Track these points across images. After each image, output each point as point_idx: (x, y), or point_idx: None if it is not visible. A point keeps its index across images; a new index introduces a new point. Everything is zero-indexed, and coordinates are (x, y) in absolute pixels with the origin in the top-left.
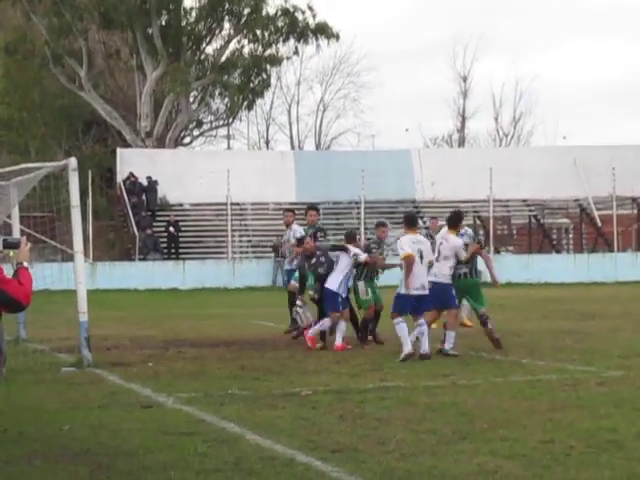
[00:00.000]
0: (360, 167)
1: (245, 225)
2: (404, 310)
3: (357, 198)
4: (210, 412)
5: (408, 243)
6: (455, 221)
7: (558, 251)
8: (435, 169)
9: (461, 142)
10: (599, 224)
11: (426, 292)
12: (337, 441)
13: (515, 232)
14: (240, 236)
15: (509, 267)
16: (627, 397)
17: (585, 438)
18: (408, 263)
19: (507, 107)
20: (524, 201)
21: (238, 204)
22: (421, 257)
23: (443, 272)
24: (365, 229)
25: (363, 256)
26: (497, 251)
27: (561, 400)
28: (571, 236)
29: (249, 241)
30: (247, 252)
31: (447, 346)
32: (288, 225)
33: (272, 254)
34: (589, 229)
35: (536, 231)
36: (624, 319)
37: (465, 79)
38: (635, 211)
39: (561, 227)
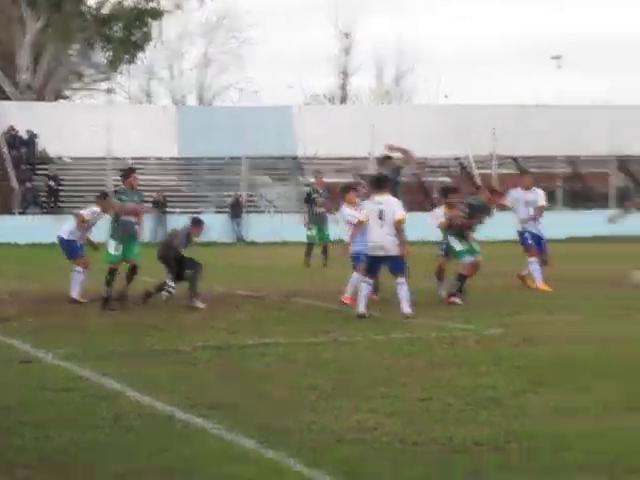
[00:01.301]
0: (242, 123)
1: None
2: (368, 270)
3: (239, 154)
4: (89, 368)
5: (368, 206)
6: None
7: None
8: (316, 126)
9: (343, 99)
10: (479, 183)
11: (389, 253)
12: (216, 397)
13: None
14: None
15: None
16: (505, 355)
17: (463, 395)
18: (357, 226)
19: (389, 65)
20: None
21: (119, 158)
22: (382, 218)
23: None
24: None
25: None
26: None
27: (440, 358)
28: None
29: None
30: None
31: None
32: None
33: (154, 209)
34: (470, 188)
35: (417, 189)
36: (504, 277)
37: (347, 36)
38: (515, 170)
39: (441, 185)
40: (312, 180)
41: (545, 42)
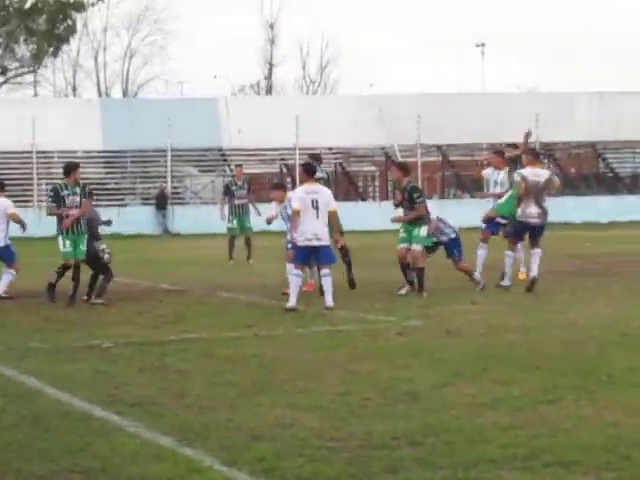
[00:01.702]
0: (167, 115)
1: (51, 173)
2: (300, 261)
3: (164, 146)
4: (10, 366)
5: (300, 195)
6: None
7: (364, 199)
8: (242, 117)
9: (268, 90)
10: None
11: (321, 242)
12: (136, 394)
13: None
14: (47, 184)
15: None
16: (425, 347)
17: (382, 389)
18: (293, 217)
19: (314, 55)
20: (330, 149)
21: (44, 152)
22: (316, 207)
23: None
24: (172, 177)
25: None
26: None
27: (360, 351)
28: (377, 183)
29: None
30: None
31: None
32: None
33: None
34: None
35: (342, 179)
36: (427, 266)
37: (272, 26)
38: (440, 158)
39: (367, 175)
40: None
41: (469, 30)
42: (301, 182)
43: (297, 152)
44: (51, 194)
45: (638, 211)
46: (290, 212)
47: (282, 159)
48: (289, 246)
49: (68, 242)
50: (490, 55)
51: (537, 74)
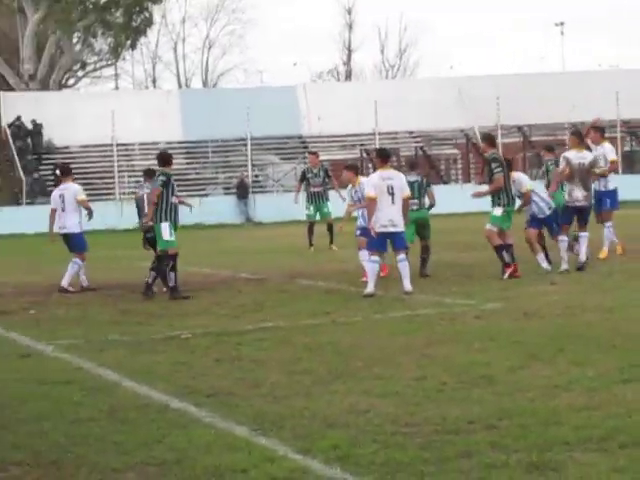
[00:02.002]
0: (247, 104)
1: (132, 165)
2: (376, 247)
3: (244, 135)
4: (89, 359)
5: (376, 181)
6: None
7: (446, 182)
8: (321, 104)
9: (348, 75)
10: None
11: (397, 229)
12: (212, 385)
13: (403, 164)
14: (129, 177)
15: None
16: (503, 330)
17: (458, 373)
18: (369, 204)
19: (393, 39)
20: (410, 133)
21: (124, 144)
22: (392, 193)
23: None
24: (253, 165)
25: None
26: None
27: (438, 335)
28: (459, 166)
29: (137, 181)
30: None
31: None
32: None
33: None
34: (477, 158)
35: (423, 162)
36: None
37: (350, 11)
38: (521, 139)
39: (449, 158)
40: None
41: (548, 9)
42: (375, 168)
43: (377, 137)
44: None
45: None
46: (360, 195)
47: (362, 144)
48: (358, 232)
49: (173, 231)
50: (570, 34)
51: (619, 52)
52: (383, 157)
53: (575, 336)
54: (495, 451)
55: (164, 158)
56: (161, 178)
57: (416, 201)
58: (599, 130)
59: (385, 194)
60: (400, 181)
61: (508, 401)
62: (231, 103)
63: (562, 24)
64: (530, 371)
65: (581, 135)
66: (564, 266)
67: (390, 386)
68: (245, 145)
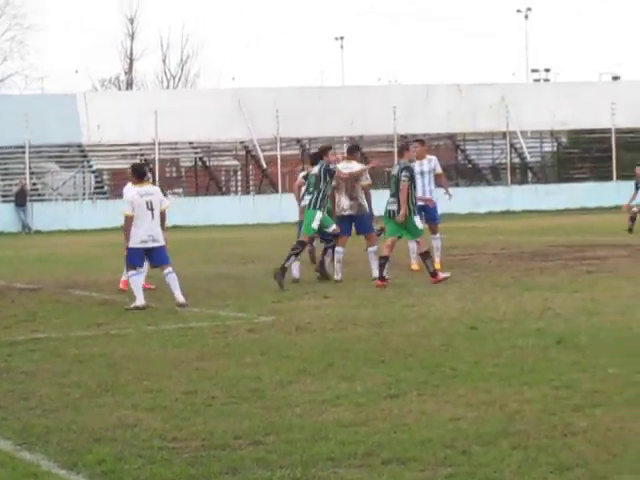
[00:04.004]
0: (26, 111)
1: None
2: (135, 263)
3: (22, 142)
4: None
5: (134, 198)
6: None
7: (225, 193)
8: (102, 112)
9: (129, 84)
10: (264, 165)
11: (157, 244)
12: None
13: (183, 174)
14: None
15: (176, 210)
16: (275, 343)
17: (228, 387)
18: (127, 222)
19: (175, 49)
20: (190, 143)
21: None
22: (151, 209)
23: None
24: (31, 173)
25: None
26: (164, 194)
27: (210, 348)
28: (238, 178)
29: None
30: None
31: None
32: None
33: None
34: (255, 170)
35: (203, 173)
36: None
37: (132, 21)
38: (299, 152)
39: (228, 169)
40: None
41: (328, 23)
42: (133, 183)
43: (157, 147)
44: None
45: (496, 202)
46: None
47: (142, 154)
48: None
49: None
50: (349, 48)
51: (398, 67)
52: (139, 174)
53: (345, 350)
54: (260, 467)
55: None
56: None
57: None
58: (423, 144)
59: (144, 210)
60: (158, 196)
61: (276, 416)
62: (10, 110)
63: (342, 38)
64: (299, 386)
65: (352, 148)
66: (337, 277)
67: (159, 400)
68: (24, 152)
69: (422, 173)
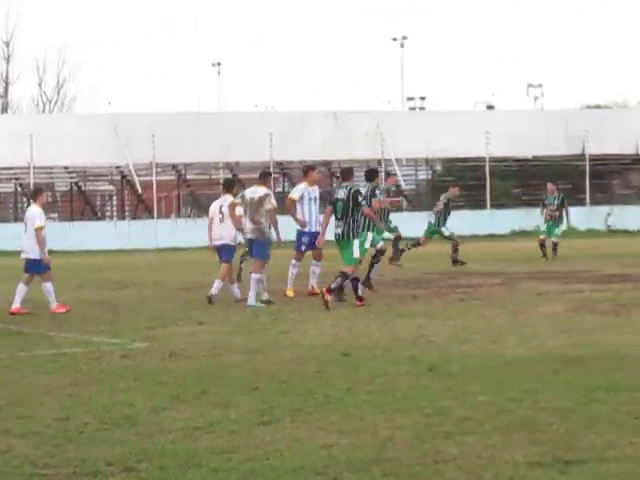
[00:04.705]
0: None
1: None
2: None
3: None
4: None
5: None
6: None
7: (100, 218)
8: None
9: (4, 108)
10: (140, 191)
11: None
12: None
13: (59, 199)
14: None
15: (51, 235)
16: (148, 370)
17: (101, 414)
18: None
19: (51, 73)
20: (66, 168)
21: None
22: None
23: None
24: None
25: None
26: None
27: (83, 374)
28: (114, 203)
29: None
30: None
31: None
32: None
33: None
34: (131, 195)
35: (78, 198)
36: (157, 287)
37: (8, 44)
38: (176, 177)
39: (104, 194)
40: None
41: (205, 49)
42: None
43: (32, 171)
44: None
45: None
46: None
47: (17, 178)
48: None
49: None
50: (227, 75)
51: (274, 94)
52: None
53: (219, 377)
54: None
55: None
56: None
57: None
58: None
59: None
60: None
61: (149, 442)
62: None
63: (219, 64)
64: (173, 412)
65: (267, 175)
66: (262, 297)
67: (31, 426)
68: None
69: (315, 199)
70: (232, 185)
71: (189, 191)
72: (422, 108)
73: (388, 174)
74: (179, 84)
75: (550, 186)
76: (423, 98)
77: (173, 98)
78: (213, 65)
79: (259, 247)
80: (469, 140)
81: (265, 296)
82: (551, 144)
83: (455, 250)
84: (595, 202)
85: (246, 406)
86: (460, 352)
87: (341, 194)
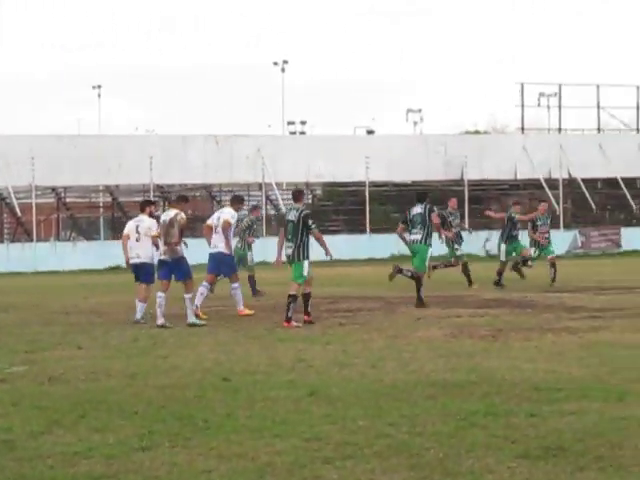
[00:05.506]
0: None
1: None
2: None
3: None
4: None
5: None
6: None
7: None
8: None
9: None
10: (19, 214)
11: None
12: None
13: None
14: None
15: None
16: (26, 394)
17: None
18: None
19: None
20: None
21: None
22: None
23: None
24: None
25: None
26: None
27: None
28: None
29: None
30: None
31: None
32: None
33: None
34: (10, 219)
35: None
36: (36, 311)
37: None
38: (55, 200)
39: None
40: None
41: (86, 72)
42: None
43: None
44: None
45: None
46: None
47: None
48: None
49: None
50: (107, 97)
51: (156, 117)
52: None
53: (98, 402)
54: None
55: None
56: None
57: None
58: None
59: None
60: None
61: (28, 467)
62: None
63: (100, 87)
64: (51, 437)
65: (184, 199)
66: (158, 322)
67: None
68: None
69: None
70: (146, 205)
71: (69, 214)
72: (302, 132)
73: None
74: (59, 107)
75: (542, 206)
76: (304, 122)
77: (53, 121)
78: (94, 88)
79: (178, 268)
80: (349, 165)
81: (161, 321)
82: (430, 169)
83: (448, 266)
84: (473, 227)
85: (125, 431)
86: (340, 376)
87: (292, 216)
